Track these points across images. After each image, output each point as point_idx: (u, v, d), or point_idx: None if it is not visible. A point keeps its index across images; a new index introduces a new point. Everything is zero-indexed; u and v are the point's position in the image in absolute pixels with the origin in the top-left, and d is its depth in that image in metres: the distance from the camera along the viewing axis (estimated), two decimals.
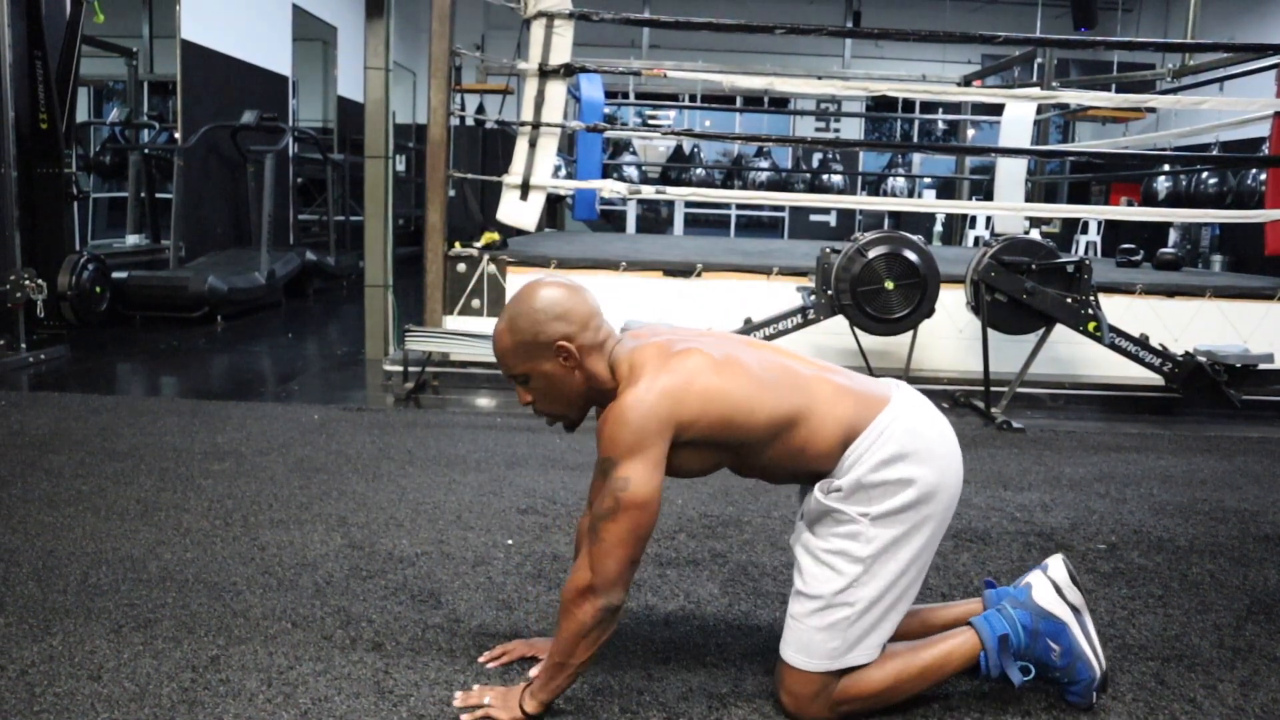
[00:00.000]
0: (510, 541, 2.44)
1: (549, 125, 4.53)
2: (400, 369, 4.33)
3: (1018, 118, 7.08)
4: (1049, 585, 1.68)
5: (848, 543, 1.58)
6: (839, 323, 4.14)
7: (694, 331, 1.68)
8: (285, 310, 6.97)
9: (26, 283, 4.72)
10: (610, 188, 5.04)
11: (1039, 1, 11.27)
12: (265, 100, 7.87)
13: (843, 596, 1.57)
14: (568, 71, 4.49)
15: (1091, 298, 4.05)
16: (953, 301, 4.46)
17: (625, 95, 11.74)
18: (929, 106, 11.98)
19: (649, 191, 5.09)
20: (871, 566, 1.57)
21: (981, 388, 4.20)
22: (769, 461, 1.61)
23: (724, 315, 4.54)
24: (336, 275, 8.22)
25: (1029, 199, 7.72)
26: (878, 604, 1.58)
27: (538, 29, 4.45)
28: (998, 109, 7.84)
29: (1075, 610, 1.68)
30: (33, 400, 3.84)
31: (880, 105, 12.40)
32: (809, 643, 1.59)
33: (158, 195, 7.15)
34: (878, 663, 1.62)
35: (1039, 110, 7.58)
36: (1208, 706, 1.70)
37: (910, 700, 1.67)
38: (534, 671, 1.68)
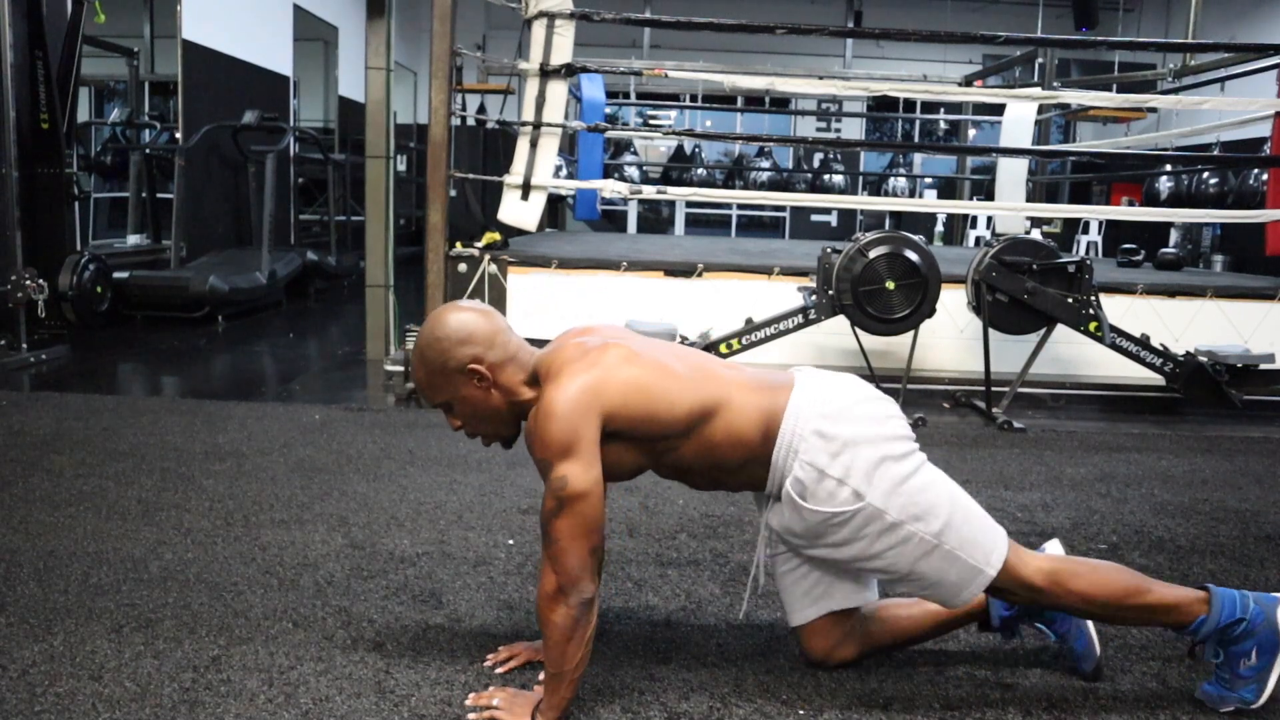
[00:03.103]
0: (511, 541, 2.44)
1: (550, 125, 4.53)
2: (401, 369, 4.33)
3: (1019, 118, 7.08)
4: None
5: (874, 525, 1.58)
6: (840, 323, 4.14)
7: (612, 329, 1.71)
8: (286, 310, 6.98)
9: (28, 283, 4.72)
10: (611, 188, 5.03)
11: (1040, 1, 11.26)
12: (266, 100, 7.87)
13: (927, 544, 1.58)
14: (569, 71, 4.49)
15: (1092, 298, 4.05)
16: (954, 301, 4.46)
17: (626, 95, 11.74)
18: (930, 106, 11.97)
19: (650, 191, 5.09)
20: (913, 514, 1.58)
21: (982, 388, 4.20)
22: (692, 457, 1.62)
23: (725, 315, 4.54)
24: (337, 275, 8.22)
25: (1030, 199, 7.71)
26: (950, 510, 1.60)
27: (539, 29, 4.45)
28: (999, 109, 7.83)
29: None
30: (34, 400, 3.85)
31: (881, 105, 12.39)
32: (959, 579, 1.60)
33: (159, 195, 7.15)
34: (1109, 572, 1.65)
35: (1040, 110, 7.57)
36: (1208, 707, 1.70)
37: (910, 697, 1.68)
38: (543, 676, 1.69)
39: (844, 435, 1.58)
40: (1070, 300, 4.04)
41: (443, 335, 1.58)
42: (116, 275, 5.66)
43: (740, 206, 12.40)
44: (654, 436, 1.59)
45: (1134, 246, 6.54)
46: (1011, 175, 6.97)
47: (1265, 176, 6.81)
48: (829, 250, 4.15)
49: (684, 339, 4.21)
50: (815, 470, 1.57)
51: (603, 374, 1.55)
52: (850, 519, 1.57)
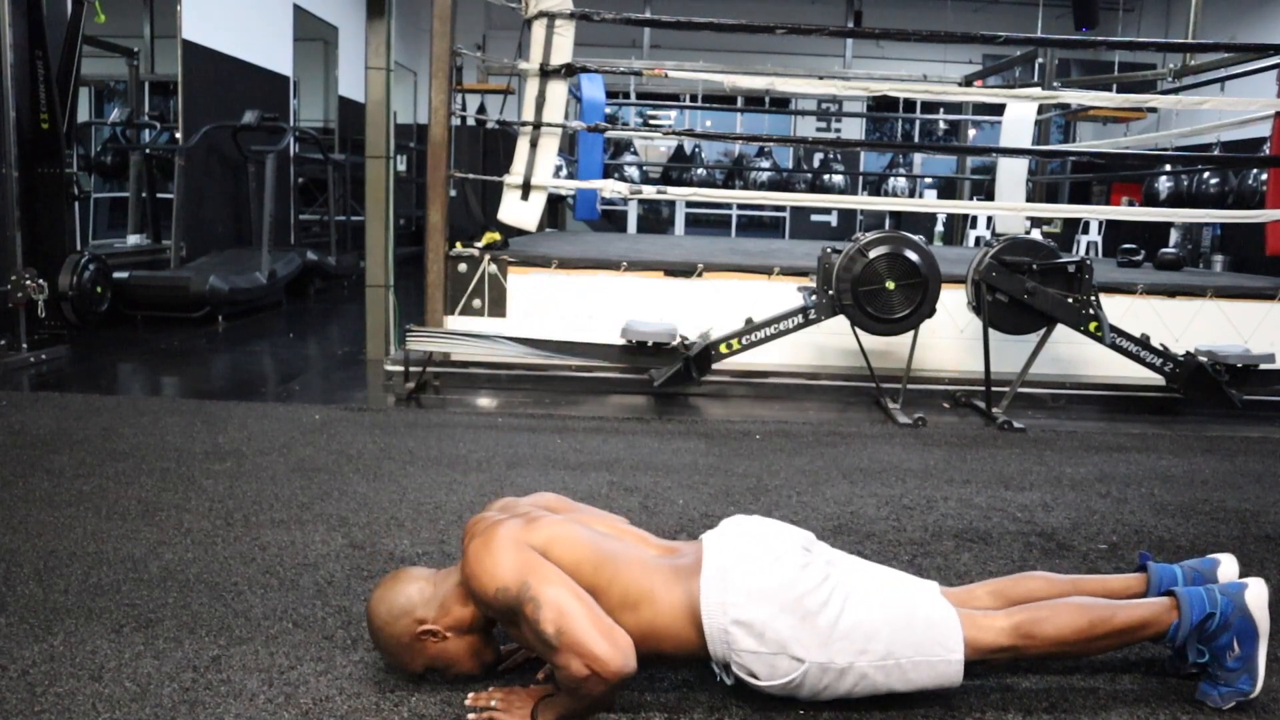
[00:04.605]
0: None
1: (550, 125, 4.53)
2: (401, 369, 4.33)
3: (1019, 118, 7.08)
4: (1265, 594, 1.68)
5: (828, 675, 1.58)
6: (840, 323, 4.14)
7: (532, 501, 1.77)
8: (286, 310, 6.98)
9: (28, 283, 4.72)
10: (611, 188, 5.03)
11: (1040, 1, 11.27)
12: (266, 100, 7.88)
13: (885, 667, 1.59)
14: (569, 71, 4.49)
15: (1092, 298, 4.05)
16: (954, 301, 4.46)
17: (626, 95, 11.75)
18: (930, 106, 11.98)
19: (650, 191, 5.09)
20: (857, 650, 1.58)
21: (982, 388, 4.20)
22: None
23: (725, 315, 4.54)
24: (337, 275, 8.22)
25: (1030, 199, 7.71)
26: (889, 627, 1.59)
27: (539, 29, 4.46)
28: (999, 109, 7.84)
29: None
30: (34, 400, 3.85)
31: (881, 105, 12.40)
32: (934, 676, 1.61)
33: (159, 195, 7.15)
34: (1071, 610, 1.66)
35: (1040, 110, 7.58)
36: (1208, 707, 1.70)
37: (910, 697, 1.68)
38: (541, 675, 1.70)
39: (760, 617, 1.57)
40: (1070, 300, 4.04)
41: (381, 624, 1.63)
42: (116, 275, 5.66)
43: (740, 206, 12.41)
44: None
45: (1134, 246, 6.54)
46: (1011, 175, 6.98)
47: (1265, 176, 6.82)
48: (829, 250, 4.15)
49: (684, 339, 4.21)
50: (750, 654, 1.58)
51: (526, 521, 1.61)
52: (803, 680, 1.58)
